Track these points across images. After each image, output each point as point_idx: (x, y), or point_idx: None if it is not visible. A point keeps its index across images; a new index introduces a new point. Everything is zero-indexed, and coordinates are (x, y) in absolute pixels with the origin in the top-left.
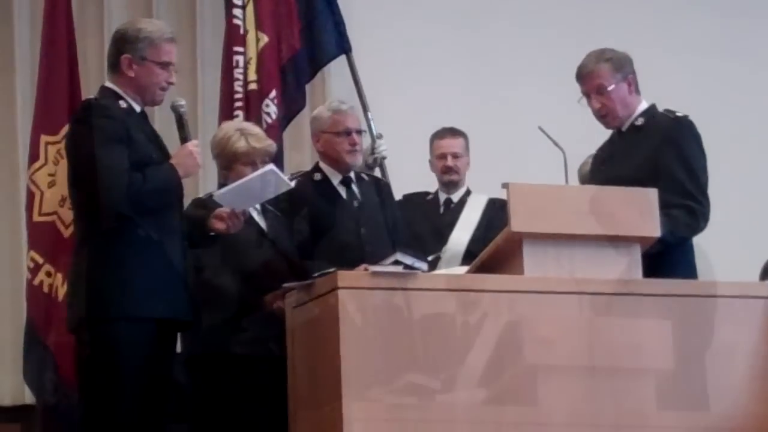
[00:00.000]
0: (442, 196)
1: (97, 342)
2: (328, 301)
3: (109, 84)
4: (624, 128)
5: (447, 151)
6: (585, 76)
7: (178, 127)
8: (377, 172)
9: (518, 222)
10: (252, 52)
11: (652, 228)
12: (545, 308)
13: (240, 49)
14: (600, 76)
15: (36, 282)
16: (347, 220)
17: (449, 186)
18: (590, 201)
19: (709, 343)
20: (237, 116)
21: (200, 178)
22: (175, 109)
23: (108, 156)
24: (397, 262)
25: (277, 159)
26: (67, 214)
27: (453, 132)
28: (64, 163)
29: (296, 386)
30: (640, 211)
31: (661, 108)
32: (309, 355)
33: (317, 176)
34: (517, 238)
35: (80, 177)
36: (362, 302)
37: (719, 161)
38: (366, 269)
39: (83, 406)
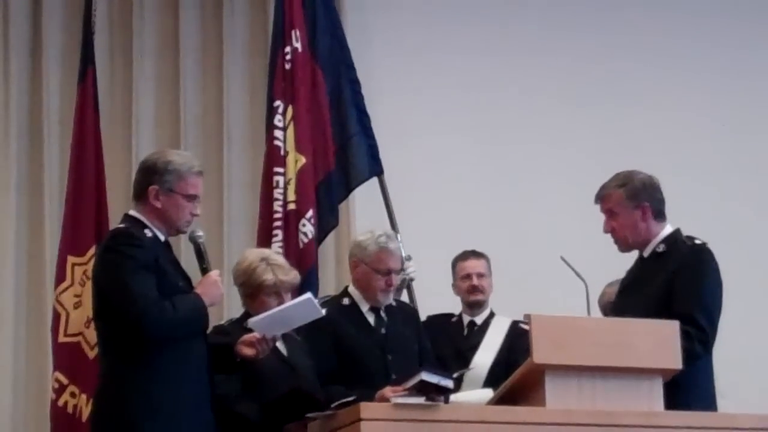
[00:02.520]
0: (466, 319)
1: None
2: None
3: (133, 212)
4: (646, 254)
5: (472, 271)
6: (601, 198)
7: (198, 257)
8: (404, 294)
9: (540, 354)
10: (291, 173)
11: (674, 360)
12: None
13: (280, 169)
14: (611, 201)
15: (60, 403)
16: (374, 347)
17: (474, 307)
18: (612, 333)
19: None
20: (276, 236)
21: (224, 305)
22: (194, 239)
23: (140, 284)
24: (422, 382)
25: (314, 280)
26: (92, 335)
27: (476, 254)
28: (89, 285)
29: None
30: (661, 342)
31: (685, 233)
32: None
33: (345, 301)
34: (539, 369)
35: (110, 305)
36: None
37: None
38: (392, 392)
39: None
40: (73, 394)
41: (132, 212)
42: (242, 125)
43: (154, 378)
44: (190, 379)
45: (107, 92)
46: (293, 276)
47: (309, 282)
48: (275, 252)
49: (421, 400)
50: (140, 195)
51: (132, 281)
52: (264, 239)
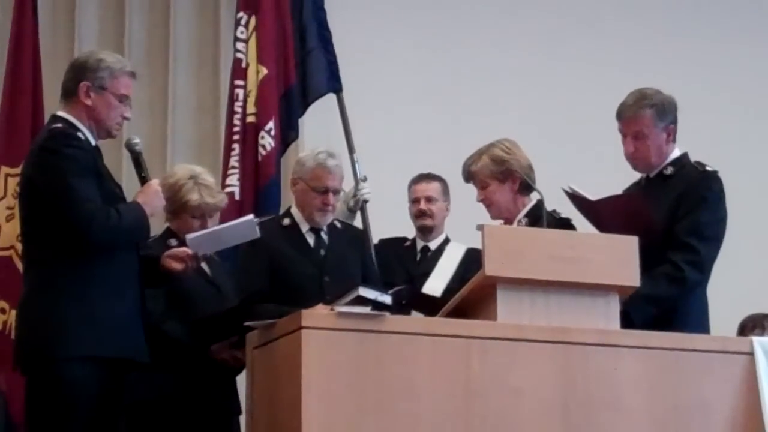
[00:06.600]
0: (420, 244)
1: (50, 381)
2: (291, 342)
3: (62, 113)
4: (651, 174)
5: (420, 195)
6: (626, 119)
7: (136, 165)
8: (358, 216)
9: (493, 266)
10: (252, 85)
11: (631, 277)
12: (518, 357)
13: (241, 82)
14: (641, 123)
15: None
16: (310, 268)
17: (424, 231)
18: (568, 246)
19: (687, 398)
20: (233, 149)
21: None
22: (130, 147)
23: (85, 188)
24: (359, 298)
25: (275, 192)
26: None
27: (428, 177)
28: None
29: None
30: (620, 258)
31: (693, 158)
32: (269, 397)
33: (286, 221)
34: (491, 282)
35: (50, 209)
36: (327, 343)
37: None
38: (331, 309)
39: None
40: (2, 310)
41: (60, 113)
42: (189, 45)
43: (89, 286)
44: (124, 291)
45: (49, 5)
46: (220, 199)
47: (269, 194)
48: (206, 171)
49: (366, 309)
50: (70, 93)
51: (76, 184)
52: (226, 155)
